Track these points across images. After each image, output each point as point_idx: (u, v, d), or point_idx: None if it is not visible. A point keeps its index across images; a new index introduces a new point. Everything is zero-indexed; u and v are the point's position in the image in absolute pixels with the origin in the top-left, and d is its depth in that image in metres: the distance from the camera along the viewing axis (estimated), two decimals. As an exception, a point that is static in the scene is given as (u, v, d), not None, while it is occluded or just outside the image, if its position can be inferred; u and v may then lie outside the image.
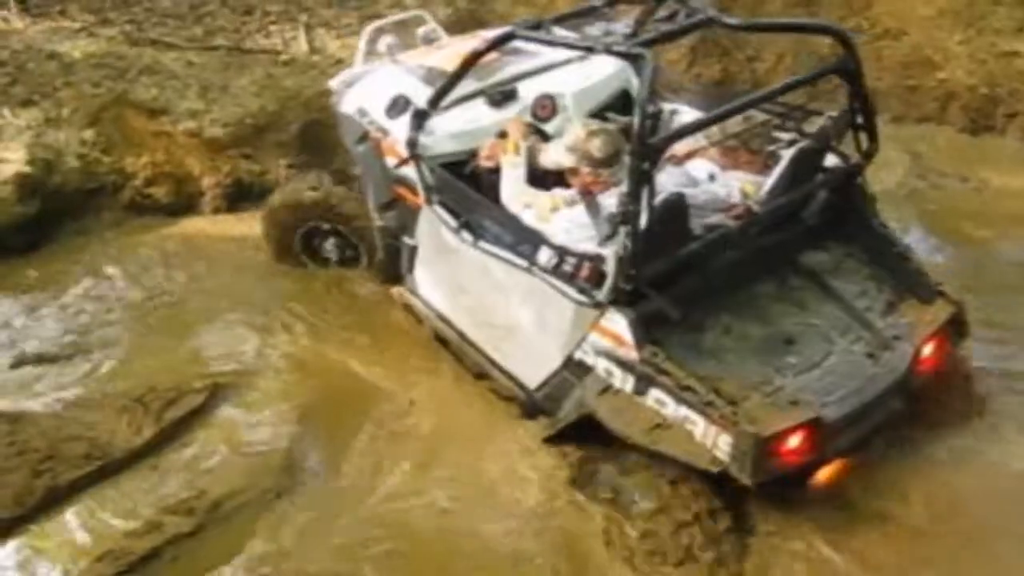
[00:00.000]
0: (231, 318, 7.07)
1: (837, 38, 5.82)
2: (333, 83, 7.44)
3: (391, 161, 6.69)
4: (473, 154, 6.56)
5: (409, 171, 6.54)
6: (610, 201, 5.58)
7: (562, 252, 5.70)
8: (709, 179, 6.01)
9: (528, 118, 6.75)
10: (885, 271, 6.17)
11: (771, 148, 6.15)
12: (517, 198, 6.08)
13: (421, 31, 7.58)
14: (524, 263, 5.90)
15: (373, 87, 7.11)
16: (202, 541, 5.63)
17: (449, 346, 6.74)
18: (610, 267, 5.37)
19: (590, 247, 5.59)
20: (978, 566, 5.36)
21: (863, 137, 5.97)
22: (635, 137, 5.10)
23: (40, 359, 6.64)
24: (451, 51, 7.17)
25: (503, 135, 6.35)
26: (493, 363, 6.45)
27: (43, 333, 6.82)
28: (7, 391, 6.43)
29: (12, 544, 5.65)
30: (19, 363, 6.61)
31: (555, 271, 5.73)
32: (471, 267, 6.31)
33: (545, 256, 5.78)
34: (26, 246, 7.40)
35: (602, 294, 5.48)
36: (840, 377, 5.62)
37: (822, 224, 6.12)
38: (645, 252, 5.24)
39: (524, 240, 5.93)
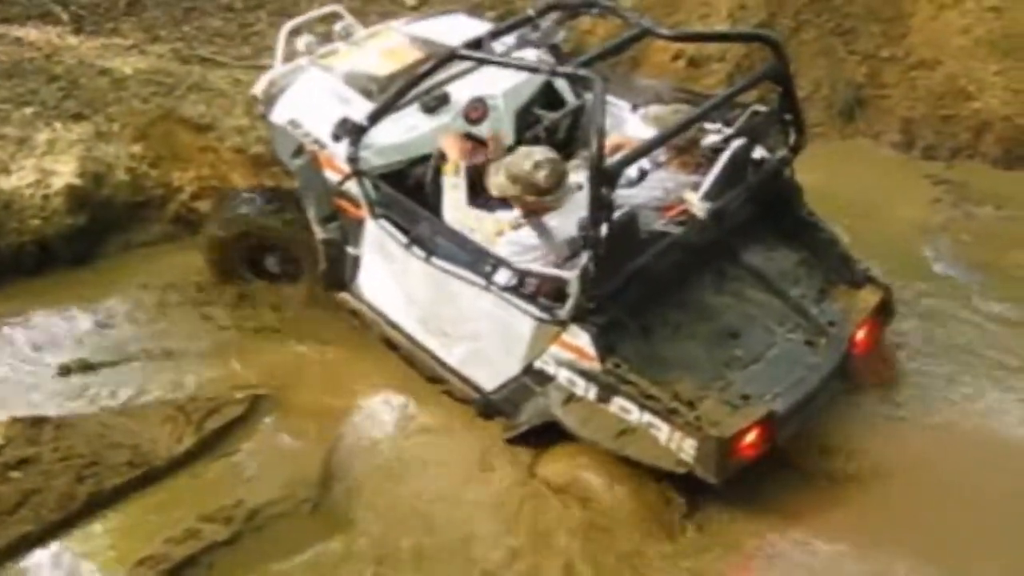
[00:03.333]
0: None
1: (767, 44, 6.17)
2: (257, 90, 7.19)
3: (330, 174, 6.59)
4: (414, 163, 6.55)
5: (351, 184, 6.47)
6: (554, 223, 5.77)
7: (523, 274, 5.76)
8: (639, 176, 6.16)
9: (460, 122, 6.70)
10: (815, 259, 6.43)
11: (705, 146, 6.23)
12: (461, 222, 6.08)
13: (338, 26, 7.38)
14: (481, 281, 5.90)
15: (304, 96, 6.92)
16: (238, 549, 5.72)
17: (399, 351, 6.69)
18: (573, 288, 5.50)
19: (551, 270, 5.70)
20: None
21: (792, 132, 6.27)
22: (593, 163, 5.24)
23: (85, 368, 6.72)
24: (374, 51, 7.17)
25: (442, 156, 6.29)
26: (447, 367, 6.47)
27: (89, 343, 6.92)
28: (53, 398, 6.52)
29: (55, 547, 5.75)
30: (65, 372, 6.70)
31: (514, 291, 5.80)
32: (422, 280, 6.30)
33: (504, 277, 5.82)
34: (75, 258, 7.51)
35: (564, 312, 5.62)
36: (784, 367, 5.93)
37: (752, 216, 6.28)
38: (603, 269, 5.42)
39: (479, 259, 5.92)
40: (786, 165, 6.40)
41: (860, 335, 6.19)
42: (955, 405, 6.53)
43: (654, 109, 6.53)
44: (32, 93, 8.25)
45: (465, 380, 6.40)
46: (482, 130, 6.79)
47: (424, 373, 6.59)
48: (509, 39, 6.71)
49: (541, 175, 5.75)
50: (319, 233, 6.73)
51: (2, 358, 6.86)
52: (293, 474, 6.13)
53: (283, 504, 5.95)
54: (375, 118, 6.31)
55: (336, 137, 6.36)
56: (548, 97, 7.18)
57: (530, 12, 6.76)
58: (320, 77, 6.96)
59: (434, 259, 6.13)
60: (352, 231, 6.66)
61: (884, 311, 6.40)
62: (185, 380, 6.69)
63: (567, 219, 5.79)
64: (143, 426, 6.27)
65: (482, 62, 6.44)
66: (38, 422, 6.16)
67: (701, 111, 5.97)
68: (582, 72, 5.71)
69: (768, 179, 6.35)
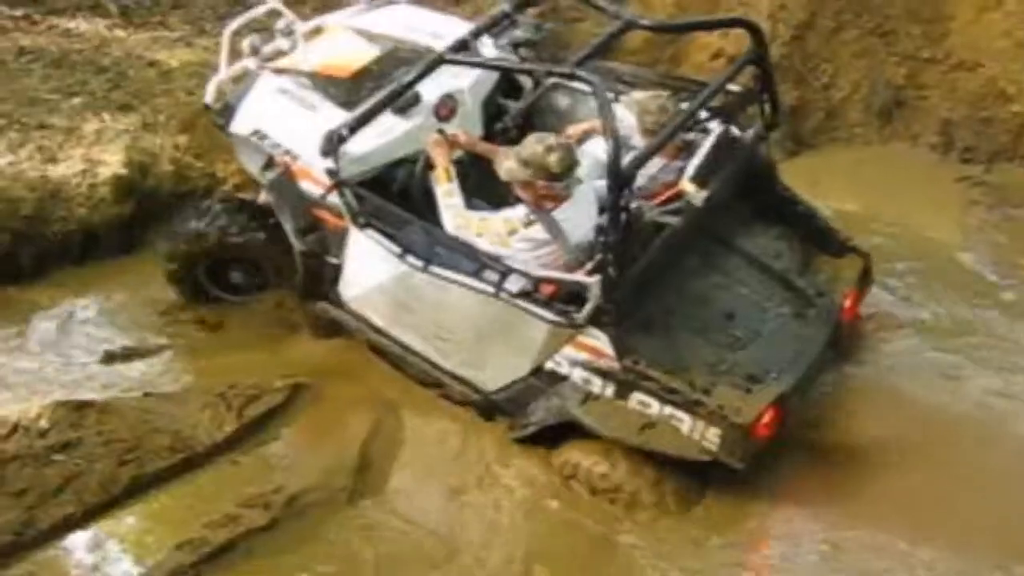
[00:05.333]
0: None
1: (747, 29, 6.19)
2: (208, 99, 6.85)
3: (306, 185, 6.38)
4: (392, 166, 6.47)
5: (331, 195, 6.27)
6: (563, 216, 5.79)
7: (538, 280, 5.77)
8: None
9: (432, 121, 6.58)
10: (793, 232, 6.56)
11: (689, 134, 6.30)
12: (465, 228, 5.95)
13: (280, 24, 7.09)
14: (489, 289, 5.85)
15: (265, 104, 6.68)
16: (276, 535, 5.81)
17: (387, 356, 6.65)
18: (594, 293, 5.53)
19: (571, 276, 5.70)
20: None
21: (769, 112, 6.41)
22: (610, 168, 5.28)
23: (129, 355, 6.82)
24: (328, 50, 6.98)
25: (428, 165, 6.19)
26: (442, 371, 6.43)
27: (133, 330, 7.01)
28: (96, 383, 6.60)
29: (96, 529, 5.84)
30: (109, 358, 6.78)
31: (527, 296, 5.80)
32: (416, 288, 6.19)
33: (516, 283, 5.80)
34: (120, 248, 7.61)
35: (582, 316, 5.66)
36: (780, 343, 6.09)
37: (731, 194, 6.33)
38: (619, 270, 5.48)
39: (486, 266, 5.88)
40: (762, 142, 6.54)
41: (847, 303, 6.39)
42: (957, 383, 6.72)
43: (635, 95, 6.53)
44: (81, 84, 8.36)
45: (464, 382, 6.38)
46: (452, 126, 6.63)
47: (416, 378, 6.58)
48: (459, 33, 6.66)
49: (553, 158, 5.68)
50: (297, 245, 6.52)
51: (48, 344, 6.94)
52: (331, 462, 6.21)
53: (321, 492, 6.04)
54: (355, 128, 6.18)
55: (326, 153, 6.14)
56: (507, 84, 7.14)
57: (505, 8, 6.77)
58: (277, 82, 6.77)
59: (432, 267, 6.03)
60: (333, 241, 6.48)
61: (866, 279, 6.59)
62: (227, 368, 6.75)
63: (574, 213, 5.84)
64: (184, 412, 6.34)
65: (473, 66, 6.51)
66: (82, 407, 6.21)
67: (700, 100, 6.03)
68: (581, 74, 5.72)
69: (749, 158, 6.45)
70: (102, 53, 8.71)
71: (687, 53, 9.01)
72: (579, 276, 5.67)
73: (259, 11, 7.07)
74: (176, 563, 5.61)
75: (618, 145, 5.30)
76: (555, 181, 5.74)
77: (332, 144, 6.11)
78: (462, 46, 6.36)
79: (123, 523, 5.93)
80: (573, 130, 6.66)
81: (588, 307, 5.62)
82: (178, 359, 6.78)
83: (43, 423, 6.10)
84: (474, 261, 5.94)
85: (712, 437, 5.63)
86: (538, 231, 5.80)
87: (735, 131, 6.41)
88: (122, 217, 7.59)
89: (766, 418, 5.67)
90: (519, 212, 5.87)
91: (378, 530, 5.91)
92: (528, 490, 6.13)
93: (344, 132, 6.12)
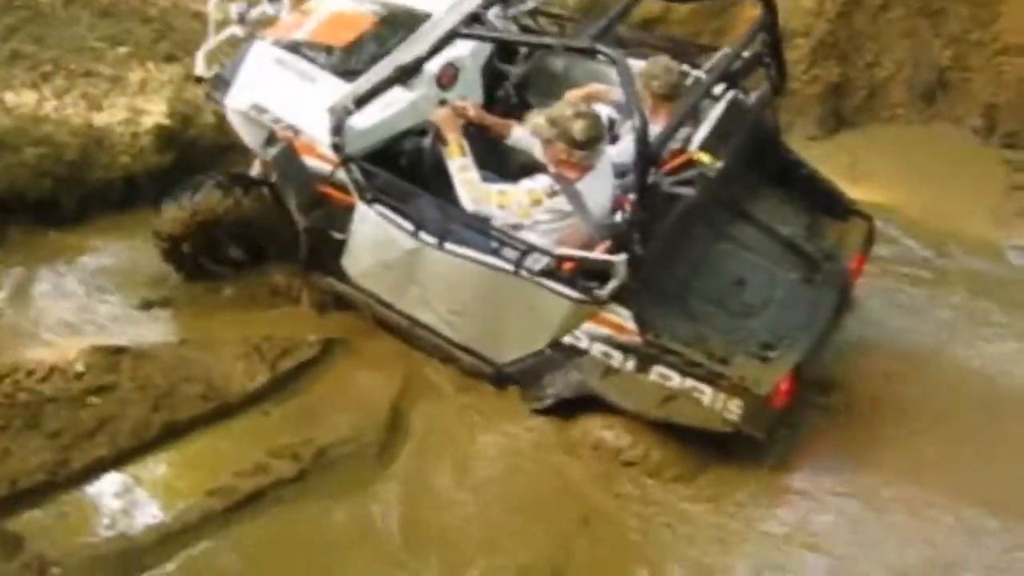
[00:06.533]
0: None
1: None
2: (199, 70, 6.74)
3: (311, 161, 6.26)
4: (397, 138, 6.37)
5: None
6: (585, 187, 5.74)
7: (561, 259, 5.72)
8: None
9: (435, 90, 6.49)
10: (797, 196, 6.58)
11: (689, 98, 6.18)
12: (484, 201, 5.87)
13: None
14: (509, 267, 5.83)
15: (261, 76, 6.55)
16: (305, 486, 5.89)
17: (395, 331, 6.60)
18: (620, 271, 5.52)
19: (598, 255, 5.66)
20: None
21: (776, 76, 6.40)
22: (639, 145, 5.24)
23: (166, 303, 6.87)
24: (321, 17, 6.80)
25: (439, 138, 6.06)
26: (452, 343, 6.41)
27: (171, 278, 7.01)
28: (132, 329, 6.66)
29: (128, 472, 5.93)
30: (147, 305, 6.84)
31: (550, 275, 5.78)
32: (428, 264, 6.12)
33: (538, 261, 5.78)
34: (159, 196, 7.53)
35: (605, 294, 5.66)
36: (791, 308, 6.13)
37: (736, 159, 6.26)
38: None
39: (504, 243, 5.86)
40: (766, 106, 6.54)
41: (853, 266, 6.44)
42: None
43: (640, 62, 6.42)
44: (127, 33, 8.35)
45: (475, 355, 6.38)
46: (454, 94, 6.58)
47: (424, 350, 6.55)
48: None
49: (578, 125, 5.58)
50: (302, 221, 6.42)
51: (86, 289, 6.99)
52: (361, 418, 6.27)
53: (350, 445, 6.11)
54: (362, 102, 6.05)
55: (336, 130, 6.04)
56: (501, 49, 7.00)
57: None
58: (272, 53, 6.64)
59: (447, 245, 5.97)
60: (338, 217, 6.36)
61: (870, 241, 6.61)
62: (261, 320, 6.80)
63: (596, 185, 5.83)
64: (218, 362, 6.40)
65: (491, 40, 6.46)
66: (118, 351, 6.30)
67: (718, 69, 6.06)
68: (602, 48, 5.62)
69: (755, 124, 6.45)
70: (149, 3, 8.68)
71: (733, 26, 8.98)
72: (603, 254, 5.64)
73: None
74: (206, 509, 5.70)
75: (645, 121, 5.25)
76: (576, 148, 5.66)
77: (339, 119, 6.01)
78: (475, 19, 6.19)
79: (154, 468, 6.01)
80: (572, 95, 6.45)
81: (612, 284, 5.62)
82: (213, 309, 6.81)
83: (79, 367, 6.19)
84: (492, 239, 5.91)
85: (734, 408, 5.69)
86: (562, 202, 5.75)
87: (741, 97, 6.41)
88: (163, 166, 7.61)
89: (784, 387, 5.72)
90: (543, 182, 5.80)
91: (406, 484, 5.98)
92: (546, 452, 6.19)
93: (351, 106, 6.02)
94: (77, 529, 5.64)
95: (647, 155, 5.29)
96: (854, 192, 6.96)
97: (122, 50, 8.15)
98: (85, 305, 6.87)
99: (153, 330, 6.65)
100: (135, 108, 7.72)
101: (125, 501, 5.82)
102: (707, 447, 6.07)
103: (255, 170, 6.90)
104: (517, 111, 6.75)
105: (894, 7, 8.92)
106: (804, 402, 6.24)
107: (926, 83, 8.92)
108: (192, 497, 5.78)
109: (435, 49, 6.04)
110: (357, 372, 6.57)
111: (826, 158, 7.81)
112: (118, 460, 5.94)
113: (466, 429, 6.31)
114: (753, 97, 6.47)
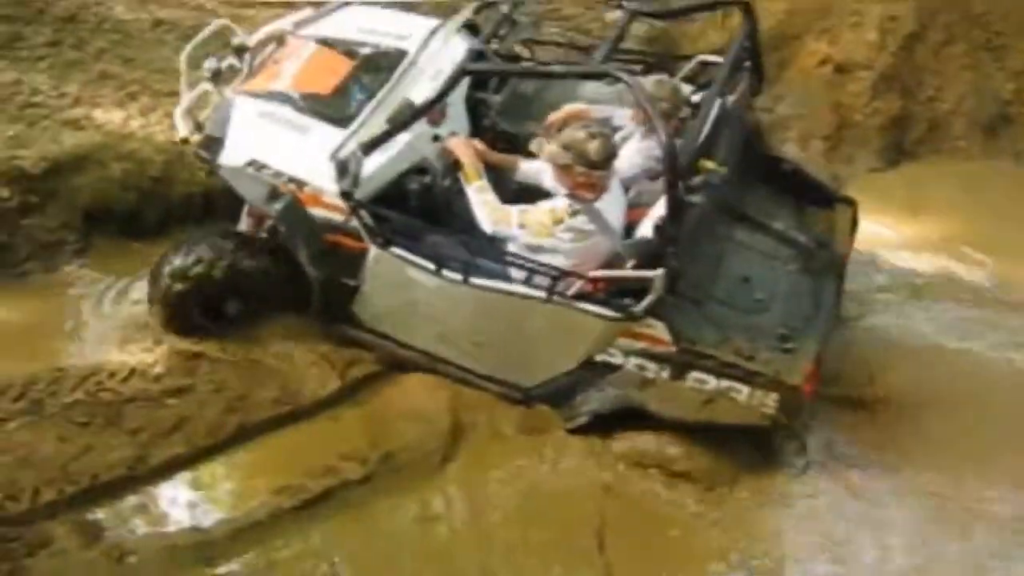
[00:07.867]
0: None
1: (740, 7, 6.47)
2: (184, 132, 6.56)
3: (318, 212, 6.20)
4: (406, 173, 6.35)
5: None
6: (604, 206, 5.84)
7: (594, 279, 5.81)
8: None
9: (427, 127, 6.44)
10: (781, 188, 6.79)
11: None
12: (504, 223, 5.91)
13: (235, 42, 6.92)
14: (541, 294, 5.89)
15: (253, 131, 6.44)
16: (372, 489, 6.07)
17: (414, 367, 6.61)
18: (657, 286, 5.61)
19: (634, 272, 5.75)
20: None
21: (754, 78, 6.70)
22: (668, 164, 5.41)
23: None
24: (299, 66, 6.74)
25: (456, 165, 6.13)
26: (476, 375, 6.48)
27: None
28: (212, 336, 6.74)
29: (202, 470, 6.15)
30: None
31: (584, 298, 5.87)
32: (451, 300, 6.15)
33: (571, 286, 5.87)
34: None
35: (641, 309, 5.76)
36: (798, 298, 6.32)
37: (733, 162, 6.43)
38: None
39: (534, 272, 5.89)
40: (748, 107, 6.77)
41: (845, 250, 6.66)
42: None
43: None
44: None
45: (499, 382, 6.47)
46: (444, 129, 6.57)
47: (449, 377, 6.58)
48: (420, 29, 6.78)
49: (593, 146, 5.66)
50: (313, 273, 6.36)
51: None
52: (425, 427, 6.43)
53: (414, 452, 6.28)
54: (373, 147, 6.06)
55: (352, 180, 6.01)
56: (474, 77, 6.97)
57: (503, 9, 6.93)
58: (258, 107, 6.55)
59: (472, 280, 6.01)
60: (351, 264, 6.33)
61: (855, 224, 6.81)
62: (330, 333, 6.84)
63: (613, 204, 5.95)
64: (291, 368, 6.58)
65: (499, 74, 6.67)
66: (196, 355, 6.54)
67: (719, 84, 6.22)
68: (615, 72, 5.76)
69: (739, 125, 6.64)
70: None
71: (794, 59, 9.16)
72: (644, 272, 5.70)
73: (210, 31, 7.03)
74: (274, 507, 5.90)
75: (672, 141, 5.43)
76: (593, 169, 5.74)
77: (354, 166, 5.98)
78: (480, 55, 6.41)
79: (227, 466, 6.22)
80: (554, 116, 6.57)
81: (649, 299, 5.71)
82: (286, 318, 6.89)
83: (159, 369, 6.46)
84: (518, 267, 5.96)
85: (770, 402, 5.89)
86: (584, 221, 5.82)
87: (725, 102, 6.52)
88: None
89: (813, 375, 5.92)
90: (563, 202, 5.87)
91: (467, 488, 6.20)
92: (593, 463, 6.34)
93: (360, 153, 6.02)
94: (153, 521, 5.86)
95: (675, 171, 5.46)
96: (914, 225, 7.11)
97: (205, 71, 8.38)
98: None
99: (228, 336, 6.78)
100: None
101: (199, 496, 6.05)
102: (741, 450, 6.28)
103: (243, 225, 6.97)
104: (502, 139, 6.86)
105: (956, 42, 9.03)
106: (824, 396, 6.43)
107: (988, 117, 8.98)
108: (263, 495, 5.97)
109: (447, 89, 6.10)
110: (422, 383, 6.67)
111: (887, 190, 7.91)
112: (193, 458, 6.15)
113: (523, 439, 6.45)
114: (731, 100, 6.60)
